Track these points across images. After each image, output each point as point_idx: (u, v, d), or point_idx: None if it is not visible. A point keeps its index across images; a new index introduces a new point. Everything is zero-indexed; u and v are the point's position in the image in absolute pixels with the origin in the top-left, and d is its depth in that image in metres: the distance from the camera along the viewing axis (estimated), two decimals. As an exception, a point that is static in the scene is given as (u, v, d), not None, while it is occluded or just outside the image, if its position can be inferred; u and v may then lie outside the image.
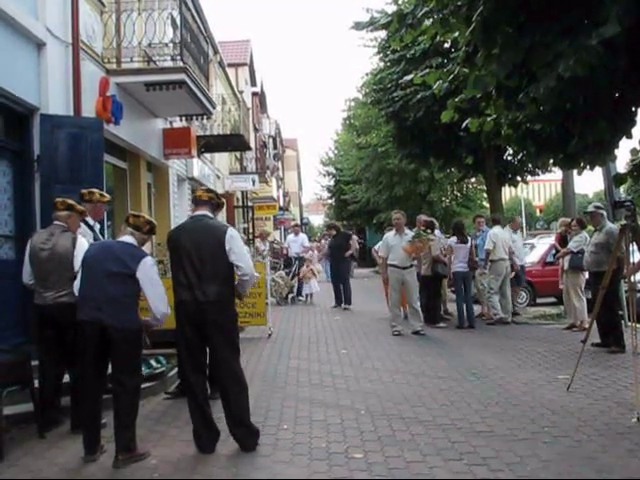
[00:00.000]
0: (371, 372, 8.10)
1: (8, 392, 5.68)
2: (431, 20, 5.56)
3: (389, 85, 14.13)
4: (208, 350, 5.40)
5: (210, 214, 5.46)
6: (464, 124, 6.96)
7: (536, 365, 8.31)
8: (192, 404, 5.26)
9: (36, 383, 5.89)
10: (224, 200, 5.85)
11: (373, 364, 8.60)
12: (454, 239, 11.90)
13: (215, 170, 22.53)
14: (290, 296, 17.57)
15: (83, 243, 5.73)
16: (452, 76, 6.12)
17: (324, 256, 20.25)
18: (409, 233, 11.44)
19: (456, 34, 6.04)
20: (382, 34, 13.55)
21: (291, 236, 20.02)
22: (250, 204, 32.08)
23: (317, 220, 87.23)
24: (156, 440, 5.57)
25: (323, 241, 24.66)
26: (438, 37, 6.38)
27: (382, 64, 15.32)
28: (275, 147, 48.27)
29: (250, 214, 31.08)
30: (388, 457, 4.97)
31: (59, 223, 5.91)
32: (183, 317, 5.20)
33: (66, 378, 5.99)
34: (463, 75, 5.98)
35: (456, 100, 6.43)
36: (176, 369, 7.46)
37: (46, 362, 5.92)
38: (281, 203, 46.96)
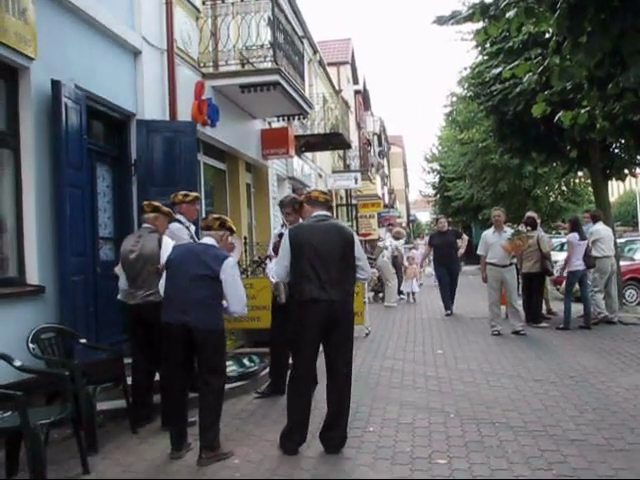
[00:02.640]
0: (465, 374, 7.89)
1: (102, 388, 5.93)
2: (515, 10, 5.31)
3: (487, 79, 13.73)
4: (325, 348, 5.37)
5: (331, 215, 5.56)
6: (556, 117, 6.63)
7: (642, 369, 7.83)
8: (299, 399, 5.24)
9: (130, 380, 6.12)
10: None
11: (468, 365, 8.38)
12: (575, 235, 11.29)
13: (317, 169, 22.68)
14: (380, 295, 17.08)
15: (168, 243, 5.88)
16: (542, 68, 5.82)
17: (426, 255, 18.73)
18: (508, 231, 11.08)
19: (543, 23, 5.76)
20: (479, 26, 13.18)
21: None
22: (354, 202, 32.09)
23: (424, 217, 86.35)
24: (241, 439, 5.62)
25: (425, 239, 24.16)
26: (526, 28, 6.12)
27: (480, 57, 14.91)
28: (380, 144, 48.11)
29: (354, 212, 31.10)
30: (473, 464, 4.80)
31: (147, 225, 6.12)
32: (314, 315, 5.16)
33: (158, 376, 6.16)
34: (554, 66, 5.68)
35: (546, 93, 6.13)
36: (268, 368, 7.54)
37: (138, 360, 6.12)
38: (386, 200, 46.72)
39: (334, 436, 5.18)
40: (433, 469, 4.74)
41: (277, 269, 5.54)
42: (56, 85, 6.46)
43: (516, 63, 6.25)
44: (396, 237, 18.20)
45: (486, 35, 5.98)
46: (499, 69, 7.42)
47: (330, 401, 5.26)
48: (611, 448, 5.05)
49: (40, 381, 5.42)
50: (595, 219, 12.21)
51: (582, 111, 6.19)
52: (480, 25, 6.10)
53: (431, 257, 16.05)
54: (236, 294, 5.18)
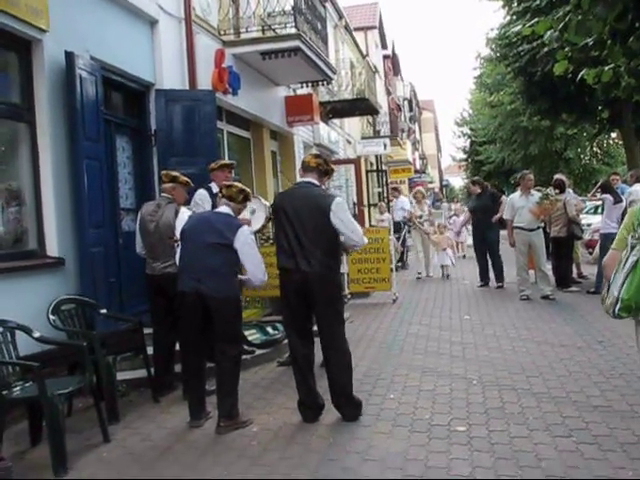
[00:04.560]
0: (491, 339, 7.80)
1: (123, 358, 5.98)
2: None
3: (515, 39, 13.38)
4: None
5: (316, 182, 5.30)
6: (579, 76, 6.39)
7: (674, 332, 7.63)
8: (297, 373, 5.24)
9: (151, 350, 6.16)
10: (333, 167, 5.71)
11: (495, 330, 8.28)
12: (609, 197, 10.93)
13: (345, 135, 22.49)
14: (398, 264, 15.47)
15: (185, 213, 5.86)
16: (563, 24, 5.59)
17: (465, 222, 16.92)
18: (535, 194, 10.83)
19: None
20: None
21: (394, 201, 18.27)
22: (384, 168, 31.82)
23: (457, 182, 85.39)
24: (262, 407, 5.63)
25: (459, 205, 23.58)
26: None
27: (508, 17, 14.53)
28: (411, 109, 47.51)
29: (385, 178, 30.86)
30: (492, 431, 4.73)
31: (165, 195, 6.11)
32: (287, 284, 5.15)
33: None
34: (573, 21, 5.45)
35: (566, 50, 5.91)
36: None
37: (158, 330, 6.15)
38: (417, 166, 46.28)
39: (342, 405, 5.17)
40: (451, 436, 4.67)
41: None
42: (70, 56, 6.43)
43: (536, 20, 6.04)
44: (415, 197, 15.25)
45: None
46: (519, 27, 7.18)
47: (327, 374, 5.25)
48: (635, 414, 4.93)
49: (61, 352, 5.46)
50: (637, 179, 11.83)
51: (606, 68, 5.97)
52: None
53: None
54: (253, 262, 5.15)
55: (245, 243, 5.09)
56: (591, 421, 4.82)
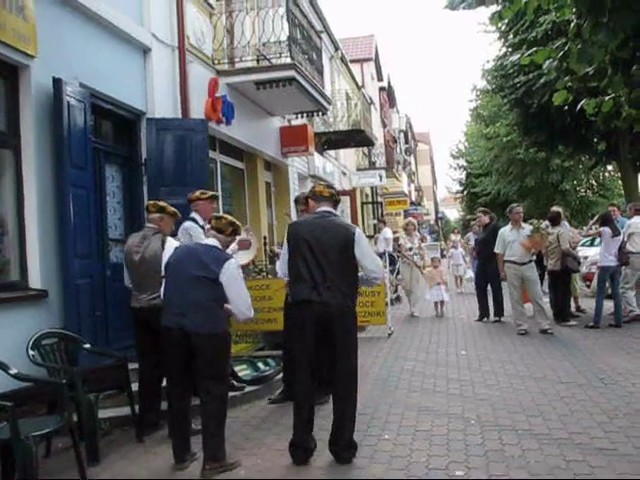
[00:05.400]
0: (489, 376, 7.57)
1: (106, 396, 5.73)
2: (530, -12, 4.99)
3: (511, 71, 13.36)
4: (325, 354, 5.06)
5: (335, 211, 5.22)
6: (579, 106, 6.26)
7: (676, 370, 7.42)
8: (300, 410, 4.95)
9: (136, 386, 5.92)
10: (340, 197, 5.58)
11: (492, 367, 8.05)
12: (607, 230, 10.81)
13: (340, 167, 22.41)
14: (394, 296, 15.20)
15: (172, 244, 5.65)
16: (562, 53, 5.47)
17: (471, 254, 16.71)
18: (526, 227, 10.71)
19: (566, 10, 5.42)
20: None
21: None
22: (380, 200, 31.77)
23: (453, 214, 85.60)
24: (250, 448, 5.38)
25: (465, 237, 23.00)
26: (549, 17, 5.78)
27: (504, 49, 14.54)
28: (406, 141, 47.70)
29: (380, 210, 30.79)
30: (491, 476, 4.50)
31: (151, 225, 5.92)
32: (306, 317, 4.90)
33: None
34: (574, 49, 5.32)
35: (566, 79, 5.78)
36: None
37: (144, 366, 5.92)
38: (413, 198, 46.30)
39: (341, 445, 4.90)
40: (449, 482, 4.45)
41: (280, 266, 5.29)
42: (57, 83, 6.28)
43: (535, 49, 5.92)
44: (406, 229, 14.22)
45: (500, 19, 5.64)
46: (517, 56, 7.09)
47: (335, 410, 4.99)
48: (641, 458, 4.71)
49: (40, 389, 5.23)
50: (637, 212, 11.71)
51: (606, 98, 5.84)
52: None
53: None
54: (239, 297, 4.92)
55: (232, 277, 4.87)
56: (596, 465, 4.59)
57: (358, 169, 26.14)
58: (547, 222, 11.41)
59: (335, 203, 5.25)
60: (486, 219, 12.77)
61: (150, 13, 8.42)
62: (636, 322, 10.92)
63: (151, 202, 6.09)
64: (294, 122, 14.79)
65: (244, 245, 6.43)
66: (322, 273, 4.85)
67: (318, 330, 4.87)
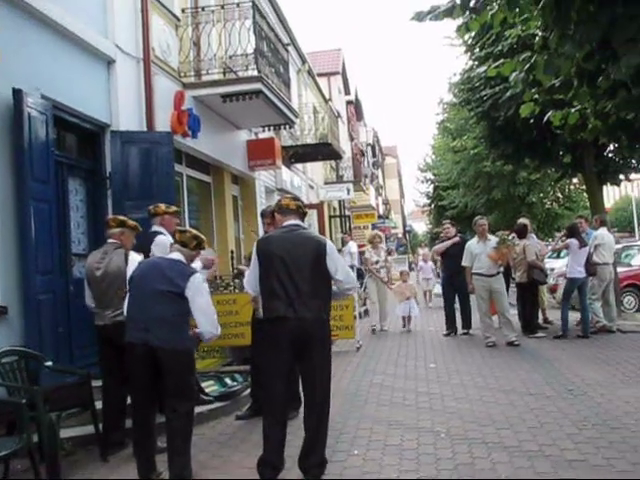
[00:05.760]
0: (458, 389, 7.54)
1: (68, 414, 5.57)
2: (497, 2, 5.00)
3: (477, 84, 13.47)
4: (300, 368, 5.04)
5: (303, 224, 5.15)
6: (545, 118, 6.30)
7: (643, 380, 7.47)
8: (271, 426, 4.81)
9: (100, 404, 5.77)
10: (307, 210, 5.52)
11: (461, 379, 8.03)
12: (575, 241, 10.93)
13: (308, 180, 22.39)
14: (363, 309, 14.79)
15: (135, 259, 5.54)
16: (529, 65, 5.50)
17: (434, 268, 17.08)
18: (493, 239, 10.77)
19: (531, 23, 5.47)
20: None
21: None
22: (347, 213, 31.81)
23: (421, 227, 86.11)
24: (218, 466, 5.28)
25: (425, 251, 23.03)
26: (515, 31, 5.79)
27: (470, 63, 14.66)
28: (374, 155, 47.95)
29: (348, 223, 30.81)
30: (463, 490, 4.46)
31: (112, 241, 5.80)
32: (280, 333, 4.80)
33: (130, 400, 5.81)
34: (540, 61, 5.34)
35: (533, 91, 5.81)
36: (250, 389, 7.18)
37: (108, 383, 5.78)
38: (380, 211, 46.46)
39: (312, 462, 4.79)
40: (420, 497, 4.39)
41: (249, 281, 5.19)
42: (18, 94, 6.13)
43: (501, 61, 5.94)
44: (371, 242, 13.78)
45: (467, 30, 5.66)
46: (484, 68, 7.11)
47: (307, 427, 4.87)
48: (611, 469, 4.71)
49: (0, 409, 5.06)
50: (602, 223, 11.87)
51: (572, 110, 5.89)
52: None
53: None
54: (205, 313, 4.82)
55: (197, 291, 4.78)
56: (567, 477, 4.57)
57: (326, 183, 26.16)
58: (514, 234, 11.48)
59: (302, 216, 5.19)
60: (453, 230, 12.74)
61: (115, 24, 8.31)
62: (603, 333, 11.03)
63: (111, 217, 5.99)
64: (261, 135, 14.73)
65: (209, 263, 6.30)
66: (296, 288, 4.76)
67: (294, 346, 4.78)
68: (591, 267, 10.87)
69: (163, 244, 6.06)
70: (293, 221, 5.07)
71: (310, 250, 4.86)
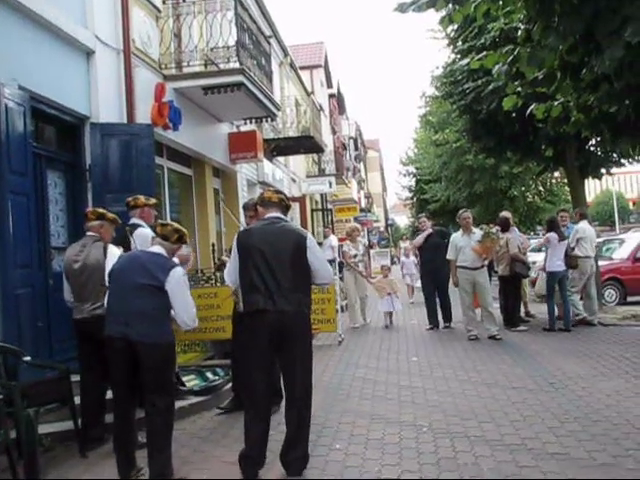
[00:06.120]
0: (440, 382, 7.54)
1: (47, 410, 5.50)
2: (480, -8, 4.99)
3: (460, 77, 13.47)
4: (280, 362, 4.99)
5: (284, 217, 5.10)
6: (528, 110, 6.29)
7: (623, 373, 7.50)
8: (253, 420, 4.77)
9: (79, 399, 5.71)
10: (291, 203, 5.48)
11: (444, 373, 8.04)
12: (554, 235, 10.96)
13: (290, 173, 22.32)
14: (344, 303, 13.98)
15: (114, 253, 5.48)
16: (512, 57, 5.48)
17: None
18: (477, 232, 10.78)
19: (514, 16, 5.47)
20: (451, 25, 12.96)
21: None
22: (330, 207, 31.78)
23: (403, 220, 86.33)
24: (199, 462, 5.23)
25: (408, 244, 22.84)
26: (498, 24, 5.78)
27: (452, 56, 14.66)
28: (356, 148, 47.94)
29: (330, 217, 30.79)
30: (445, 484, 4.45)
31: (91, 234, 5.74)
32: (259, 326, 4.76)
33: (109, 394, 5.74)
34: (523, 53, 5.33)
35: (516, 84, 5.80)
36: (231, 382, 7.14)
37: (87, 378, 5.72)
38: (362, 205, 46.49)
39: (294, 457, 4.77)
40: (402, 491, 4.37)
41: (229, 273, 5.15)
42: (-6, 85, 6.03)
43: (484, 54, 5.92)
44: (350, 235, 13.39)
45: (450, 22, 5.63)
46: (467, 60, 7.10)
47: (288, 421, 4.85)
48: (593, 462, 4.71)
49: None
50: (582, 217, 11.93)
51: (555, 103, 5.88)
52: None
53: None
54: (183, 306, 4.77)
55: (177, 285, 4.73)
56: (548, 470, 4.58)
57: (308, 176, 26.09)
58: (498, 227, 11.51)
59: (284, 209, 5.14)
60: (429, 224, 12.59)
61: (94, 15, 8.18)
62: (584, 326, 11.10)
63: (90, 209, 5.92)
64: (242, 128, 14.62)
65: (184, 259, 6.24)
66: (276, 281, 4.73)
67: (273, 339, 4.75)
68: (571, 260, 10.93)
69: (144, 236, 6.01)
70: (275, 214, 5.03)
71: (291, 243, 4.83)
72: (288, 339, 4.76)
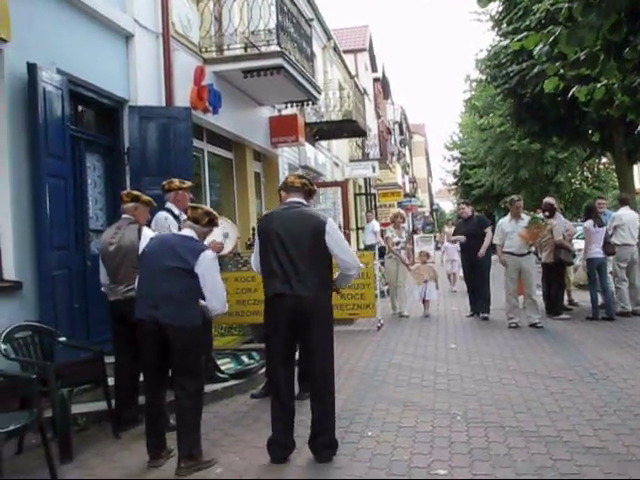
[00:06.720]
0: (478, 370, 7.43)
1: (81, 390, 5.57)
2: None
3: (504, 60, 13.18)
4: (300, 348, 4.99)
5: (305, 202, 5.03)
6: (570, 93, 6.09)
7: (668, 365, 7.28)
8: (276, 407, 4.81)
9: (112, 381, 5.76)
10: (316, 188, 5.41)
11: (482, 361, 7.91)
12: (590, 222, 10.79)
13: (333, 157, 22.22)
14: (385, 288, 13.86)
15: (148, 234, 5.49)
16: (553, 37, 5.29)
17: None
18: (525, 218, 10.58)
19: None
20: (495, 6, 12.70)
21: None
22: (373, 191, 31.58)
23: (448, 206, 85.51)
24: (229, 445, 5.23)
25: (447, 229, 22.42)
26: (543, 5, 5.57)
27: (497, 39, 14.36)
28: (401, 133, 47.50)
29: (373, 201, 30.60)
30: (476, 475, 4.36)
31: (126, 216, 5.76)
32: (279, 311, 4.77)
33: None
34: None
35: (557, 65, 5.60)
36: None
37: (120, 359, 5.76)
38: (407, 189, 46.13)
39: (321, 443, 4.75)
40: (431, 481, 4.30)
41: (253, 260, 5.14)
42: (32, 68, 6.06)
43: (525, 34, 5.72)
44: (393, 222, 13.01)
45: (489, 1, 5.45)
46: (507, 41, 6.90)
47: (312, 407, 4.83)
48: (632, 458, 4.55)
49: (11, 384, 5.05)
50: (622, 203, 11.59)
51: (599, 85, 5.67)
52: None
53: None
54: (214, 290, 4.75)
55: (207, 269, 4.70)
56: (584, 464, 4.45)
57: (351, 160, 25.93)
58: (546, 213, 11.27)
59: (307, 193, 5.06)
60: (468, 211, 12.16)
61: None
62: (627, 316, 10.79)
63: (125, 192, 5.93)
64: (284, 112, 14.58)
65: (216, 248, 6.21)
66: (293, 266, 4.68)
67: (292, 324, 4.72)
68: (609, 247, 10.68)
69: (160, 223, 6.03)
70: (295, 199, 4.98)
71: (309, 228, 4.76)
72: (306, 325, 4.71)
